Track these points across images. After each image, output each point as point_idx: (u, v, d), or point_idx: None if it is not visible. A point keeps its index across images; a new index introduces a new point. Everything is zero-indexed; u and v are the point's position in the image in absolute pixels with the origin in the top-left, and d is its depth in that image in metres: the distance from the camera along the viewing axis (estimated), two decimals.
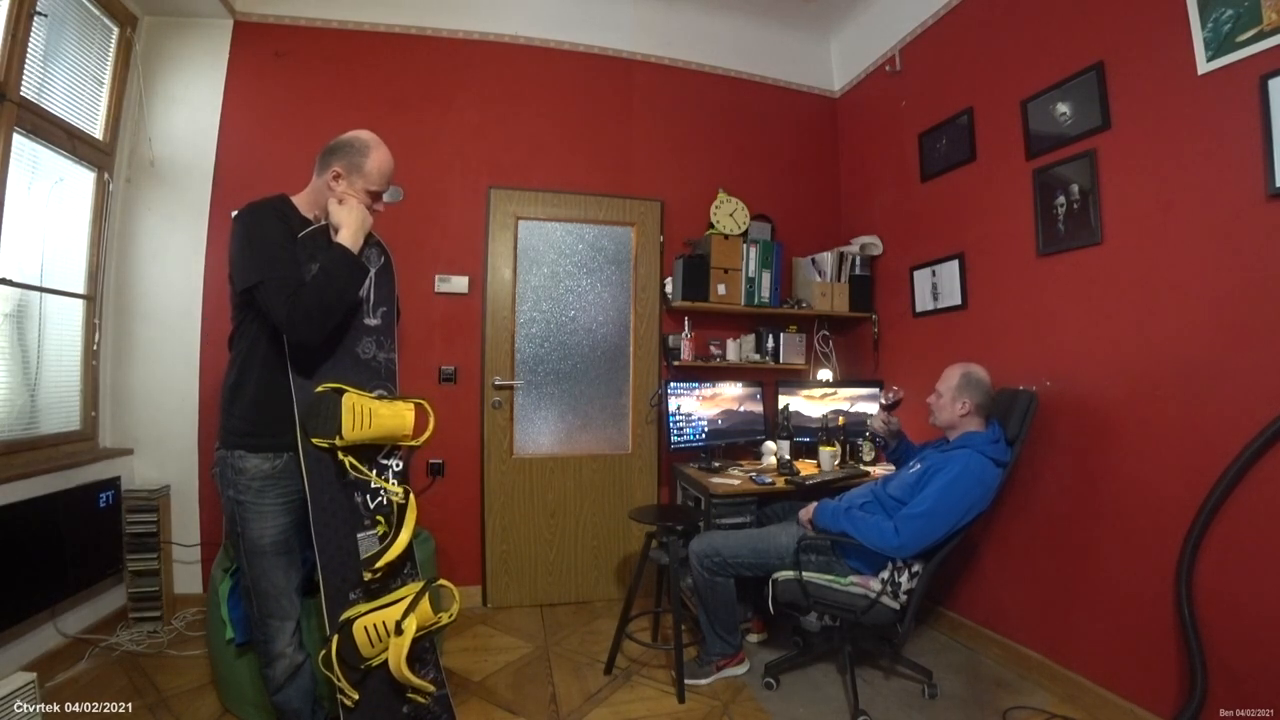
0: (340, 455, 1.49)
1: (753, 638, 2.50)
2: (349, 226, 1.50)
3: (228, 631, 1.80)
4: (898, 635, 2.04)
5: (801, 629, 2.41)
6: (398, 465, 1.64)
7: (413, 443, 1.62)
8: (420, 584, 1.64)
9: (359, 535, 1.56)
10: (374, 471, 1.59)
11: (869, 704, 1.99)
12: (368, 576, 1.53)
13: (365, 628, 1.50)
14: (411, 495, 1.61)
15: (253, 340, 1.50)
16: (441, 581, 1.68)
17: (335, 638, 1.48)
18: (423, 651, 1.66)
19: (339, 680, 1.47)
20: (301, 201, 1.60)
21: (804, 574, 2.00)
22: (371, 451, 1.59)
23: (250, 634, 1.74)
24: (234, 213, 1.51)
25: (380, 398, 1.59)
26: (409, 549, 1.63)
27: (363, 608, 1.54)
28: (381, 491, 1.59)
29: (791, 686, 2.15)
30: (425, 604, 1.59)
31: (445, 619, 1.63)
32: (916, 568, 1.96)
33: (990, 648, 2.38)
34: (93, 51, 2.43)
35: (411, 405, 1.61)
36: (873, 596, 1.95)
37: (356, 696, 1.50)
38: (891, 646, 2.24)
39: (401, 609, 1.54)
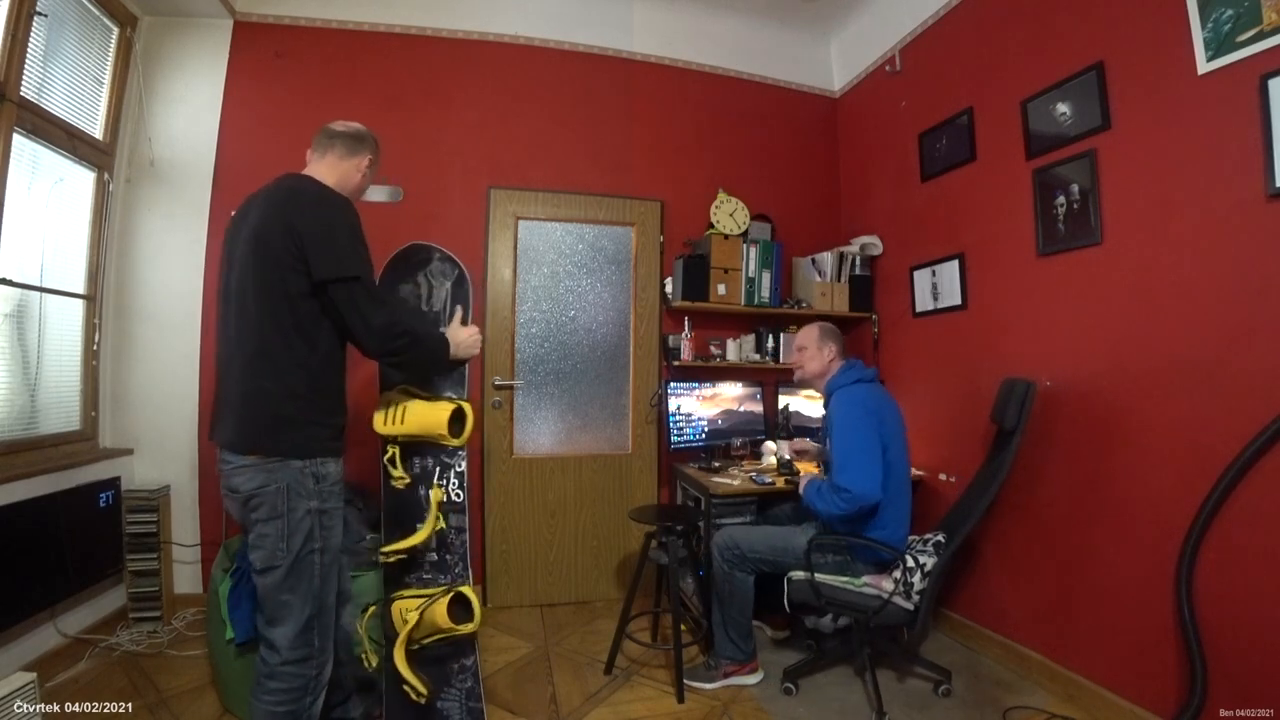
0: (390, 447, 1.63)
1: (772, 633, 2.52)
2: (460, 346, 1.65)
3: (228, 631, 1.80)
4: (907, 636, 2.04)
5: (815, 631, 2.38)
6: (460, 465, 1.78)
7: (454, 442, 1.72)
8: (464, 586, 1.75)
9: (417, 525, 1.74)
10: (437, 469, 1.78)
11: (869, 704, 1.99)
12: (382, 559, 1.69)
13: (399, 608, 1.70)
14: (435, 495, 1.71)
15: (336, 342, 1.46)
16: (465, 590, 1.73)
17: (384, 612, 1.64)
18: (458, 663, 1.79)
19: (412, 677, 1.61)
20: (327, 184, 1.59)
21: (817, 575, 2.02)
22: (435, 450, 1.72)
23: (253, 634, 1.75)
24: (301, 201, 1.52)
25: (438, 398, 1.77)
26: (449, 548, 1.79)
27: (405, 593, 1.74)
28: (446, 483, 1.75)
29: (797, 689, 2.14)
30: (440, 607, 1.64)
31: (460, 630, 1.70)
32: (929, 566, 1.96)
33: (991, 648, 2.38)
34: (93, 51, 2.42)
35: (448, 404, 1.70)
36: (885, 597, 1.97)
37: (426, 693, 1.62)
38: (898, 645, 2.24)
39: (421, 602, 1.66)
